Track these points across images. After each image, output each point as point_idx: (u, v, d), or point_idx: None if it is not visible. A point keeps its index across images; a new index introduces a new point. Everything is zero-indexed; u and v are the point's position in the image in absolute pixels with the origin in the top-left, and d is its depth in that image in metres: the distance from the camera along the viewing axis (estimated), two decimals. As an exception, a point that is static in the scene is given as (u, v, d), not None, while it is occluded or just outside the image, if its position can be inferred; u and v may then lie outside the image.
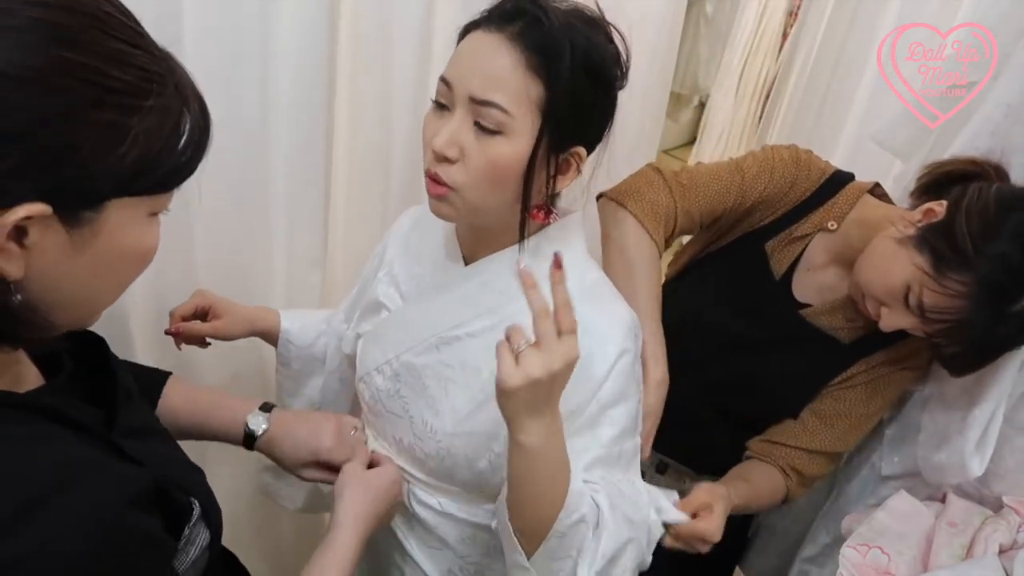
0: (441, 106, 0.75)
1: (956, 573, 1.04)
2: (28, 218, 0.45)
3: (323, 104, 1.17)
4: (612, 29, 0.77)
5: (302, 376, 1.13)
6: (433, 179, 0.75)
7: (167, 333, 1.03)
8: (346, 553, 0.80)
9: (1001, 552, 1.06)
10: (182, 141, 0.52)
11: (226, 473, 1.27)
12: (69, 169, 0.46)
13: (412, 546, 0.96)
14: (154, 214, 0.55)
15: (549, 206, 0.81)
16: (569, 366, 0.67)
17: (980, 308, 0.89)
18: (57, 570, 0.47)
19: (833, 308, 1.11)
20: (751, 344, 1.15)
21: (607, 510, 0.75)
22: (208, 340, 1.05)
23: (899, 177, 1.36)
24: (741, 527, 1.42)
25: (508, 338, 0.67)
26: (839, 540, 1.34)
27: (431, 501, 0.92)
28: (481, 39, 0.72)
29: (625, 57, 0.77)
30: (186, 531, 0.62)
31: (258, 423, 0.89)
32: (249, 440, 0.90)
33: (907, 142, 1.27)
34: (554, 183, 0.77)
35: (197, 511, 0.64)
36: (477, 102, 0.71)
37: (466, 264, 0.86)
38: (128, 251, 0.53)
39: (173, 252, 1.10)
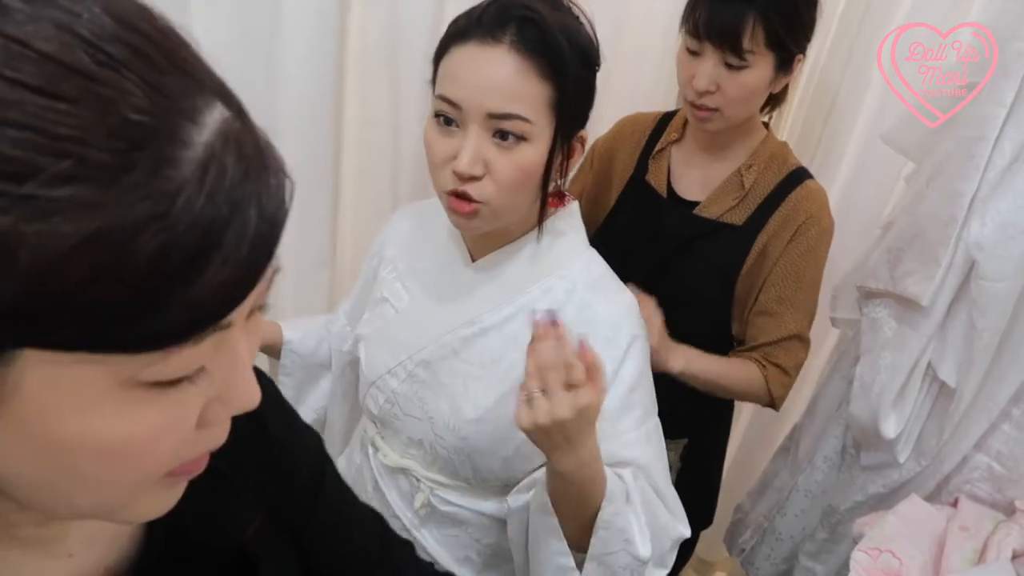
0: (447, 123, 0.74)
1: (968, 578, 1.03)
2: None
3: (332, 106, 1.18)
4: (574, 7, 0.77)
5: (306, 384, 1.11)
6: (461, 198, 0.74)
7: None
8: None
9: (1014, 557, 1.04)
10: (169, 264, 0.28)
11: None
12: None
13: (425, 536, 0.93)
14: (146, 384, 0.30)
15: (562, 190, 0.84)
16: (581, 413, 0.67)
17: None
18: None
19: (717, 194, 1.17)
20: (667, 261, 1.18)
21: (632, 484, 0.77)
22: None
23: (910, 177, 1.35)
24: (707, 494, 1.40)
25: (523, 384, 0.69)
26: (835, 537, 1.34)
27: (450, 497, 0.90)
28: (478, 53, 0.71)
29: (591, 30, 0.78)
30: None
31: None
32: None
33: (917, 142, 1.25)
34: (566, 169, 0.80)
35: None
36: (497, 116, 0.71)
37: (473, 259, 0.87)
38: (80, 435, 0.30)
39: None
